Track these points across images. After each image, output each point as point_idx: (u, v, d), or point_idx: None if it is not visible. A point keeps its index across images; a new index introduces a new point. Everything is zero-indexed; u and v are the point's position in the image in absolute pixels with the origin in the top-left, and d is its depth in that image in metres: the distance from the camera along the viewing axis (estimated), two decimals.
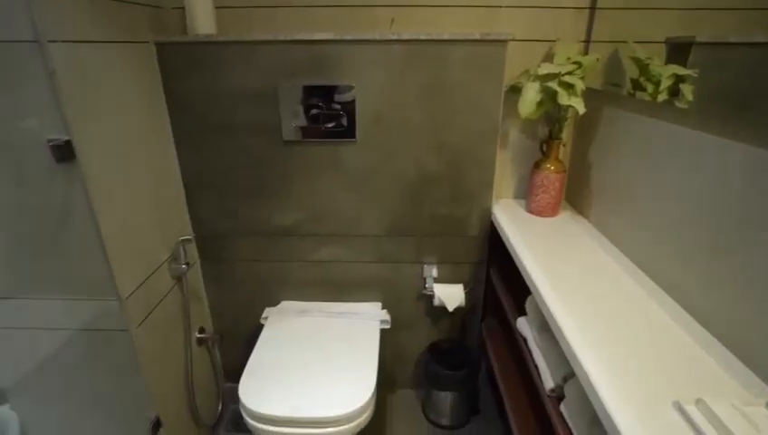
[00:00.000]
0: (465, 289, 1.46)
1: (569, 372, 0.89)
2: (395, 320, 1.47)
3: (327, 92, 1.25)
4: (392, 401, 1.69)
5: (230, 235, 1.45)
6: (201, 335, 1.49)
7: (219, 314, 1.60)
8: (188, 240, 1.31)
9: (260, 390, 1.11)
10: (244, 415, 1.08)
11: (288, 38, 1.19)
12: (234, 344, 1.64)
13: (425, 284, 1.48)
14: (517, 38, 1.21)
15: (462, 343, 1.60)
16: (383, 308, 1.49)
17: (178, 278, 1.33)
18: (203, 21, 1.20)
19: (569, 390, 0.87)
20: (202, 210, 1.42)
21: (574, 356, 0.72)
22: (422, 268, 1.49)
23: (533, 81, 1.17)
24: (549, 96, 1.16)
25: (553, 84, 1.13)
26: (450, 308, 1.41)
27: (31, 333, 1.13)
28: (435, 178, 1.35)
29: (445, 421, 1.57)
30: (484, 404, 1.65)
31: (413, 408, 1.67)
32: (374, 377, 1.15)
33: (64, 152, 0.91)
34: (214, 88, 1.26)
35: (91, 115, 0.97)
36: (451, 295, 1.42)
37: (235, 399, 1.66)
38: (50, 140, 0.90)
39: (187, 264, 1.33)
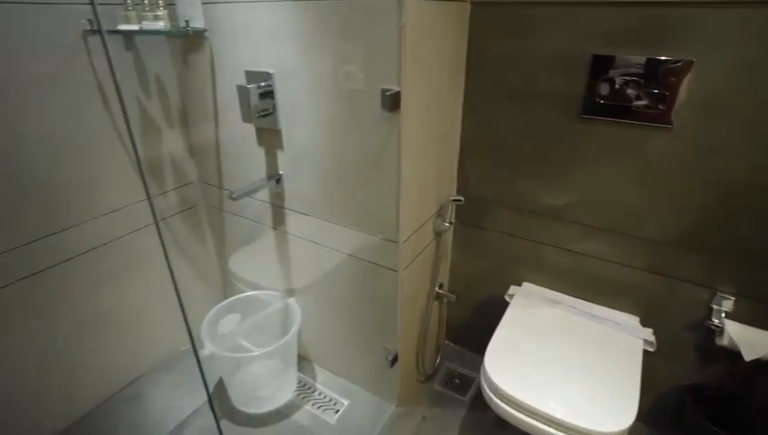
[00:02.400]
0: None
1: None
2: None
3: (649, 67, 1.05)
4: None
5: (492, 203, 1.42)
6: (440, 291, 1.55)
7: (457, 276, 1.64)
8: (459, 200, 1.34)
9: (510, 369, 1.08)
10: (484, 387, 1.08)
11: None
12: (460, 307, 1.68)
13: (710, 314, 1.20)
14: None
15: (740, 399, 1.26)
16: (642, 324, 1.28)
17: (438, 234, 1.40)
18: None
19: None
20: (471, 173, 1.42)
21: None
22: (711, 295, 1.20)
23: None
24: None
25: None
26: (747, 357, 1.11)
27: (322, 250, 1.35)
28: None
29: None
30: None
31: None
32: (636, 402, 1.00)
33: (393, 102, 0.99)
34: (516, 51, 1.20)
35: (416, 69, 1.03)
36: (753, 342, 1.10)
37: (451, 357, 1.75)
38: (384, 90, 0.99)
39: (450, 223, 1.38)
